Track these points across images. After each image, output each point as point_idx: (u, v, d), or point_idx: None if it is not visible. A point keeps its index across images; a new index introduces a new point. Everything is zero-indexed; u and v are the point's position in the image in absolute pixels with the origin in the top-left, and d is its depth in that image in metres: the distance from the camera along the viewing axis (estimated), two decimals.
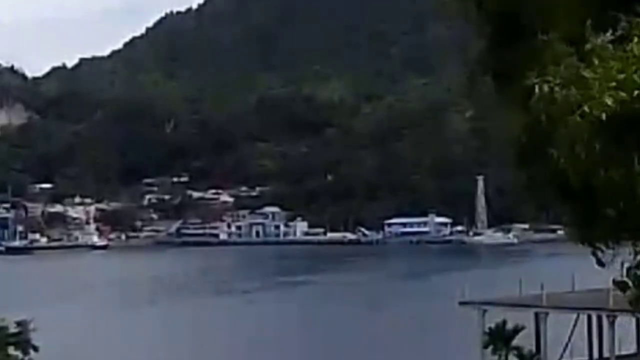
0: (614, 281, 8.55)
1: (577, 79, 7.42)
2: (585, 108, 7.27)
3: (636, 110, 7.25)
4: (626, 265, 8.37)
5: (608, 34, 7.54)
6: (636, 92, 7.24)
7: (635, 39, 7.45)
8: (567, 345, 63.14)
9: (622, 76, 7.29)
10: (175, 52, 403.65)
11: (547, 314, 61.41)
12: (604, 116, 7.26)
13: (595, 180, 7.44)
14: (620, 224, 7.76)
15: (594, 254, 8.10)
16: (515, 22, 8.48)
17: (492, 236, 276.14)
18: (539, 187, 8.11)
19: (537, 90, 7.63)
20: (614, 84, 7.29)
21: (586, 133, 7.33)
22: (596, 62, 7.37)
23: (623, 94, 7.27)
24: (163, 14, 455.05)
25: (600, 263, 8.36)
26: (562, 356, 63.23)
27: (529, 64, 8.00)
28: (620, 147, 7.30)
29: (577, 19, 7.86)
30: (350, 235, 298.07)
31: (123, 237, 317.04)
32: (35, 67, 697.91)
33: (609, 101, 7.21)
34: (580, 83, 7.30)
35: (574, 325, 63.34)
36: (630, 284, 8.50)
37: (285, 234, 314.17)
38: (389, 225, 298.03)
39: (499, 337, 60.33)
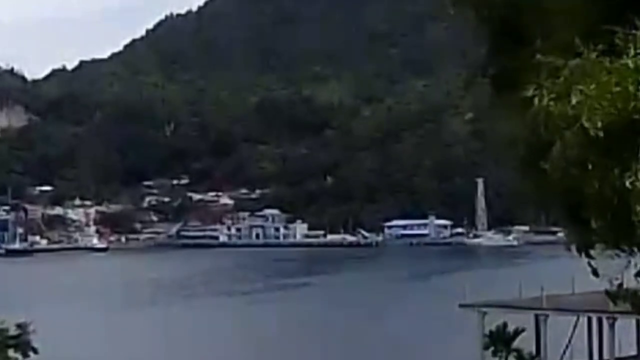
0: (606, 292, 8.67)
1: (571, 92, 7.44)
2: (583, 121, 7.29)
3: (632, 122, 7.27)
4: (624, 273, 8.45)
5: (599, 47, 7.55)
6: (632, 104, 7.26)
7: (631, 52, 7.47)
8: (567, 347, 63.13)
9: (618, 89, 7.32)
10: (175, 54, 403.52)
11: (547, 316, 61.36)
12: (597, 129, 7.28)
13: (587, 193, 7.46)
14: (612, 235, 7.80)
15: (589, 264, 8.19)
16: (514, 30, 8.48)
17: (492, 238, 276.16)
18: (536, 195, 8.15)
19: (535, 102, 7.65)
20: (608, 96, 7.32)
21: (579, 147, 7.35)
22: (588, 75, 7.38)
23: (613, 110, 7.29)
24: (163, 16, 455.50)
25: (595, 273, 8.44)
26: (562, 358, 63.22)
27: (527, 74, 8.02)
28: (614, 160, 7.31)
29: (573, 32, 7.88)
30: (350, 237, 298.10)
31: (123, 239, 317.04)
32: (35, 69, 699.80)
33: (602, 115, 7.23)
34: (573, 97, 7.31)
35: (574, 328, 63.32)
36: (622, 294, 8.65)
37: (285, 236, 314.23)
38: (389, 227, 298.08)
39: (499, 340, 60.32)
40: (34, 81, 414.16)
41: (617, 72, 7.40)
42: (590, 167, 7.36)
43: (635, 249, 8.16)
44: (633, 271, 8.65)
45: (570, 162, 7.41)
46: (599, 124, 7.27)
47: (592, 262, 8.38)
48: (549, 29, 8.20)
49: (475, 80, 9.17)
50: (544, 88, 7.61)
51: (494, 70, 8.77)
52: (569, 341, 63.12)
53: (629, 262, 8.40)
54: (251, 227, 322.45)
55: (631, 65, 7.38)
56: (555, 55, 7.80)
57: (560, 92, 7.43)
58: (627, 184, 7.24)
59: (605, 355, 62.34)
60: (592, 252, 8.26)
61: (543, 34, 8.24)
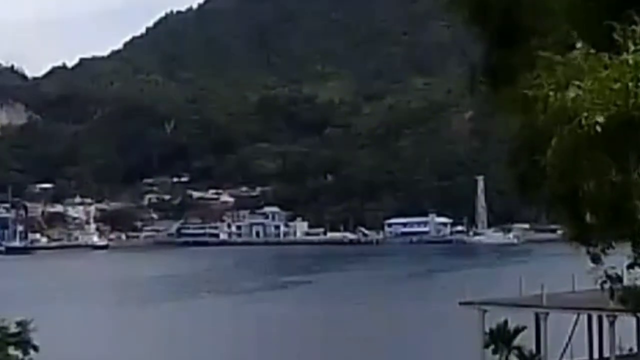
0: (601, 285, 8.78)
1: (569, 85, 7.41)
2: (582, 119, 7.26)
3: (631, 119, 7.24)
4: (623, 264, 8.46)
5: (597, 43, 7.53)
6: (631, 101, 7.23)
7: (630, 48, 7.44)
8: (567, 345, 63.13)
9: (616, 85, 7.29)
10: (175, 52, 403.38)
11: (547, 314, 61.34)
12: (595, 125, 7.25)
13: (582, 187, 7.44)
14: (609, 231, 7.80)
15: (589, 251, 8.21)
16: (513, 26, 8.49)
17: (492, 236, 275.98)
18: (528, 189, 8.15)
19: (534, 92, 7.63)
20: (607, 92, 7.29)
21: (576, 143, 7.33)
22: (587, 70, 7.35)
23: (612, 106, 7.27)
24: (163, 14, 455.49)
25: (595, 260, 8.45)
26: (562, 356, 63.22)
27: (525, 68, 8.00)
28: (612, 157, 7.29)
29: (572, 27, 7.86)
30: (350, 235, 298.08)
31: (123, 237, 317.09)
32: (35, 67, 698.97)
33: (601, 111, 7.19)
34: (571, 91, 7.28)
35: (574, 325, 63.33)
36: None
37: (286, 234, 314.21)
38: (389, 225, 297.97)
39: (500, 337, 60.33)
40: (35, 79, 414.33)
41: (616, 69, 7.37)
42: (587, 163, 7.34)
43: (632, 245, 8.18)
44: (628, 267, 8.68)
45: (568, 158, 7.39)
46: (598, 120, 7.23)
47: (591, 250, 8.40)
48: (548, 25, 8.20)
49: (477, 77, 9.19)
50: (543, 79, 7.60)
51: (495, 65, 8.81)
52: (569, 339, 63.12)
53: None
54: (251, 225, 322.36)
55: (630, 61, 7.35)
56: (553, 50, 7.79)
57: (559, 84, 7.40)
58: (626, 180, 7.23)
59: (606, 352, 62.34)
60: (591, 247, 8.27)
61: (542, 30, 8.25)
